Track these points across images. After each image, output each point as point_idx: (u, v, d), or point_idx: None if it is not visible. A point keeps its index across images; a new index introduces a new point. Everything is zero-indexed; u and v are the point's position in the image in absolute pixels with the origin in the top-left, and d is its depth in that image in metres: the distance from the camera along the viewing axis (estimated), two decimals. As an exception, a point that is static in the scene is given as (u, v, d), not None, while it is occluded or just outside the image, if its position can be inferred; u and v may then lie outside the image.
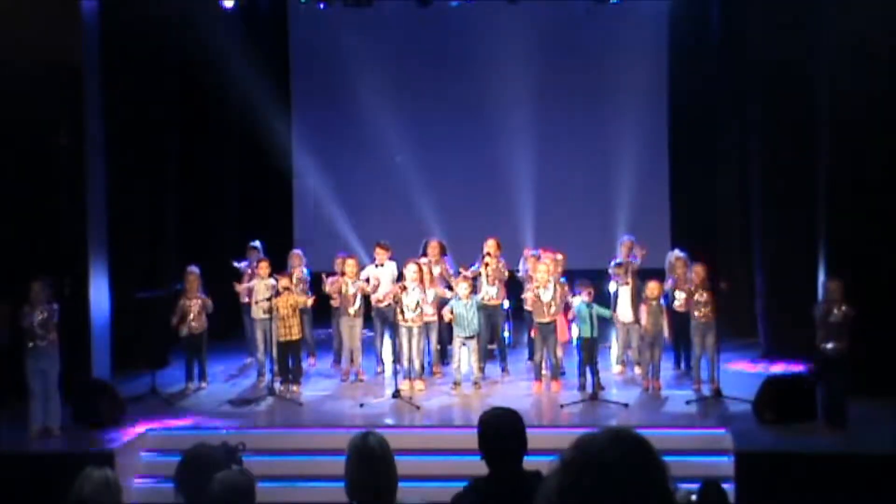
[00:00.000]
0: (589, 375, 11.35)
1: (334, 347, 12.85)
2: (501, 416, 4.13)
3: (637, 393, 11.47)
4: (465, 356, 11.76)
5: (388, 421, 10.55)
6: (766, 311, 13.12)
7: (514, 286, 12.57)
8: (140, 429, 10.38)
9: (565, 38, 15.35)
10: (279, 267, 12.50)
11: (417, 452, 9.37)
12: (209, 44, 13.80)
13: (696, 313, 11.40)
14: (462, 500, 4.04)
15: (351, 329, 12.17)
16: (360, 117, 15.48)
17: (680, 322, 11.81)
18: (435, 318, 11.94)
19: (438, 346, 12.45)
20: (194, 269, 12.00)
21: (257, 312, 12.07)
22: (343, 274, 12.27)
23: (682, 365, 12.30)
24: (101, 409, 10.56)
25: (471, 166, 15.66)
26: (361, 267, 12.44)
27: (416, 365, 11.73)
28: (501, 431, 4.03)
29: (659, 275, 12.28)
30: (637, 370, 12.04)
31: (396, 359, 11.74)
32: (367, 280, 12.27)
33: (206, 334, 12.12)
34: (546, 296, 11.41)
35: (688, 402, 10.89)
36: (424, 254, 12.56)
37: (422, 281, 11.73)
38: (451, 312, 11.59)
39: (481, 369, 11.88)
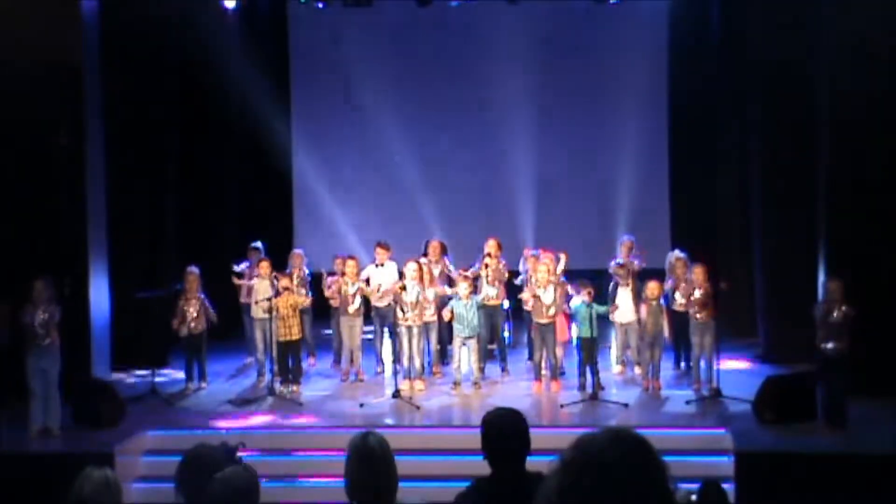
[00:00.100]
0: (589, 375, 11.35)
1: (334, 347, 12.84)
2: (504, 417, 4.13)
3: (637, 393, 11.47)
4: (465, 356, 11.76)
5: (388, 421, 10.55)
6: (766, 311, 13.12)
7: (513, 286, 12.57)
8: (140, 429, 10.38)
9: (565, 38, 15.35)
10: (279, 267, 12.51)
11: (417, 452, 9.37)
12: (209, 44, 13.81)
13: (695, 313, 11.40)
14: (465, 500, 4.04)
15: (351, 329, 12.17)
16: (360, 117, 15.49)
17: (680, 322, 11.81)
18: (435, 318, 11.94)
19: (438, 346, 12.45)
20: (194, 270, 12.00)
21: (257, 312, 12.07)
22: (343, 274, 12.27)
23: (682, 365, 12.30)
24: (101, 409, 10.55)
25: (471, 166, 15.66)
26: (362, 267, 12.44)
27: (416, 365, 11.73)
28: (504, 431, 4.03)
29: (659, 275, 12.28)
30: (637, 370, 12.04)
31: (396, 359, 11.74)
32: (368, 280, 12.28)
33: (206, 334, 12.11)
34: (545, 297, 11.41)
35: (688, 402, 10.89)
36: (425, 254, 12.58)
37: (421, 280, 11.73)
38: (451, 312, 11.59)
39: (481, 369, 11.88)
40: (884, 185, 11.30)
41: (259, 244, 13.17)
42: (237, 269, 13.10)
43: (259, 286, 12.26)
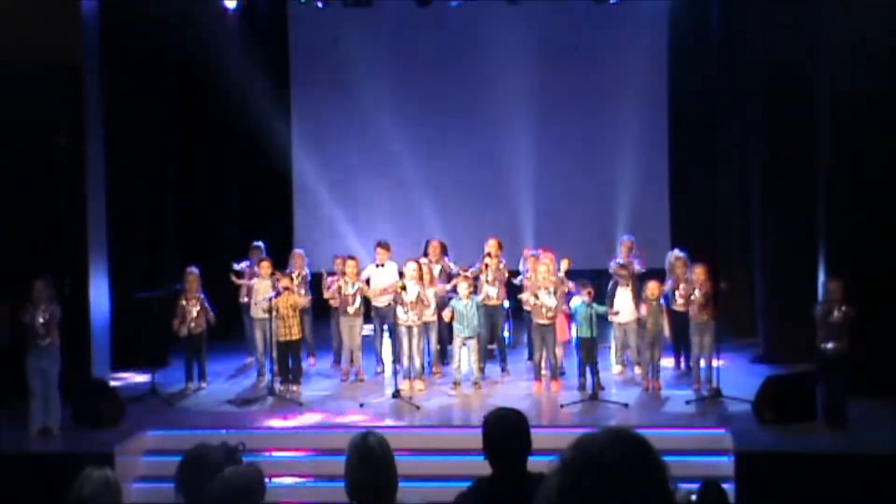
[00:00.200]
0: (589, 375, 11.35)
1: (334, 347, 12.84)
2: (506, 417, 4.13)
3: (637, 393, 11.48)
4: (465, 356, 11.76)
5: (388, 421, 10.54)
6: (766, 311, 13.12)
7: (513, 286, 12.57)
8: (140, 429, 10.38)
9: (565, 38, 15.35)
10: (280, 267, 12.51)
11: (417, 452, 9.38)
12: (209, 44, 13.81)
13: (695, 313, 11.40)
14: (465, 500, 4.04)
15: (351, 329, 12.17)
16: (360, 117, 15.49)
17: (680, 322, 11.81)
18: (435, 318, 11.94)
19: (438, 346, 12.45)
20: (194, 270, 12.00)
21: (257, 312, 12.08)
22: (344, 274, 12.26)
23: (682, 365, 12.30)
24: (101, 409, 10.55)
25: (471, 166, 15.65)
26: (362, 267, 12.44)
27: (416, 364, 11.73)
28: (505, 431, 4.03)
29: (659, 275, 12.28)
30: (637, 370, 12.04)
31: (396, 359, 11.74)
32: (368, 280, 12.28)
33: (206, 334, 12.11)
34: (545, 298, 11.40)
35: (688, 402, 10.89)
36: (425, 253, 12.58)
37: (421, 279, 11.73)
38: (452, 313, 11.59)
39: (481, 369, 11.88)
40: (884, 185, 11.30)
41: (260, 243, 13.17)
42: (237, 267, 13.10)
43: (259, 286, 12.26)
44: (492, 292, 12.29)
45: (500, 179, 15.52)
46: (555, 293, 11.44)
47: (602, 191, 15.39)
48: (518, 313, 12.94)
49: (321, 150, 15.79)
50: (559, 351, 11.80)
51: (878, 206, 11.27)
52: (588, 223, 15.24)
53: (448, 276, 12.50)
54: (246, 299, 12.77)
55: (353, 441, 3.88)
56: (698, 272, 11.51)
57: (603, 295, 12.03)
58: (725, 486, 7.27)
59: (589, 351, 11.34)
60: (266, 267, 12.30)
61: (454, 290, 11.92)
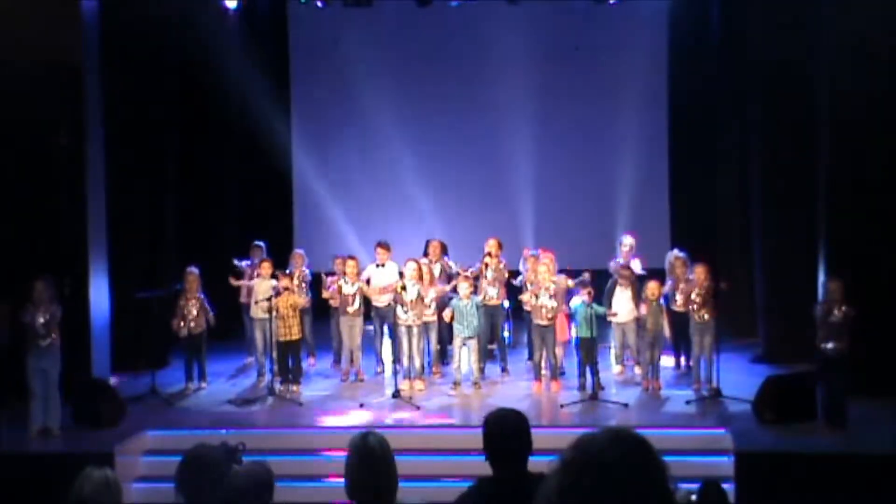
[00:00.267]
0: (589, 375, 11.35)
1: (334, 347, 12.84)
2: (506, 417, 4.13)
3: (637, 393, 11.47)
4: (465, 356, 11.77)
5: (389, 421, 10.55)
6: (766, 311, 13.12)
7: (513, 286, 12.57)
8: (140, 429, 10.38)
9: (565, 38, 15.35)
10: (279, 267, 12.51)
11: (417, 452, 9.38)
12: (209, 44, 13.81)
13: (695, 313, 11.40)
14: (466, 501, 4.04)
15: (351, 329, 12.17)
16: (360, 117, 15.49)
17: (680, 322, 11.81)
18: (435, 318, 11.94)
19: (438, 346, 12.45)
20: (194, 270, 12.01)
21: (257, 312, 12.08)
22: (344, 273, 12.26)
23: (682, 365, 12.30)
24: (101, 409, 10.55)
25: (471, 166, 15.66)
26: (362, 267, 12.44)
27: (416, 364, 11.73)
28: (506, 432, 4.03)
29: (659, 275, 12.28)
30: (637, 370, 12.04)
31: (396, 359, 11.74)
32: (368, 280, 12.28)
33: (206, 334, 12.12)
34: (545, 299, 11.40)
35: (688, 402, 10.89)
36: (426, 253, 12.59)
37: (421, 279, 11.73)
38: (452, 313, 11.59)
39: (481, 369, 11.88)
40: (884, 185, 11.30)
41: (261, 243, 13.18)
42: (238, 263, 13.10)
43: (259, 286, 12.26)
44: (492, 292, 12.29)
45: (500, 179, 15.52)
46: (554, 294, 11.43)
47: (602, 191, 15.39)
48: (518, 313, 12.94)
49: (321, 150, 15.79)
50: (559, 351, 11.80)
51: (878, 206, 11.28)
52: (588, 223, 15.24)
53: (448, 277, 12.50)
54: (246, 299, 12.77)
55: (353, 441, 3.88)
56: (699, 272, 11.52)
57: (603, 294, 12.03)
58: (725, 486, 7.27)
59: (589, 351, 11.34)
60: (267, 267, 12.31)
61: (454, 290, 11.92)
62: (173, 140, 14.09)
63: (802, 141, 12.23)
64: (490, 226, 13.84)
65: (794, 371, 10.96)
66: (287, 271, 12.42)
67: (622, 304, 11.81)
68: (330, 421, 10.73)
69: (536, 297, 11.46)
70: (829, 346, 10.08)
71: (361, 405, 11.08)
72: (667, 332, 11.71)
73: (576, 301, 11.45)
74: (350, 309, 12.14)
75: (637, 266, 12.28)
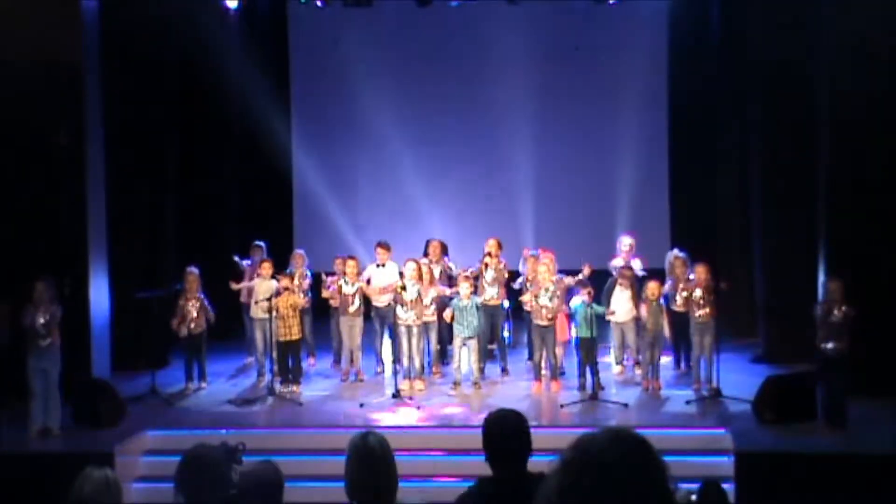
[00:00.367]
0: (589, 375, 11.35)
1: (334, 347, 12.84)
2: (506, 417, 4.13)
3: (637, 393, 11.47)
4: (465, 356, 11.76)
5: (388, 421, 10.54)
6: (766, 311, 13.12)
7: (512, 287, 12.56)
8: (140, 429, 10.38)
9: (565, 38, 15.35)
10: (279, 267, 12.51)
11: (417, 452, 9.38)
12: (209, 44, 13.80)
13: (695, 313, 11.41)
14: (466, 501, 4.04)
15: (351, 329, 12.17)
16: (360, 117, 15.49)
17: (680, 322, 11.81)
18: (435, 318, 11.94)
19: (438, 346, 12.45)
20: (194, 270, 12.00)
21: (257, 312, 12.07)
22: (344, 273, 12.27)
23: (682, 365, 12.30)
24: (101, 409, 10.55)
25: (471, 166, 15.66)
26: (362, 267, 12.44)
27: (416, 365, 11.73)
28: (506, 432, 4.03)
29: (659, 275, 12.28)
30: (637, 370, 12.04)
31: (396, 359, 11.74)
32: (369, 280, 12.28)
33: (206, 334, 12.11)
34: (545, 300, 11.39)
35: (688, 402, 10.89)
36: (426, 254, 12.58)
37: (421, 279, 11.73)
38: (453, 313, 11.59)
39: (481, 369, 11.88)
40: (884, 185, 11.30)
41: (262, 243, 13.19)
42: (238, 260, 13.11)
43: (259, 286, 12.26)
44: (492, 292, 12.29)
45: (500, 179, 15.53)
46: (554, 296, 11.42)
47: (602, 191, 15.39)
48: (518, 313, 12.93)
49: (321, 150, 15.79)
50: (559, 351, 11.80)
51: (878, 206, 11.28)
52: (588, 223, 15.24)
53: (448, 277, 12.50)
54: (246, 299, 12.77)
55: (353, 441, 3.88)
56: (699, 272, 11.52)
57: (602, 294, 12.02)
58: (725, 486, 7.27)
59: (589, 351, 11.34)
60: (267, 268, 12.31)
61: (455, 294, 11.88)
62: (173, 140, 14.08)
63: (802, 141, 12.23)
64: (490, 226, 13.85)
65: (794, 371, 10.95)
66: (287, 271, 12.42)
67: (621, 304, 11.80)
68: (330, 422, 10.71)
69: (536, 297, 11.46)
70: (829, 346, 10.08)
71: (361, 405, 11.08)
72: (667, 332, 11.70)
73: (576, 301, 11.45)
74: (350, 309, 12.14)
75: (637, 266, 12.28)
